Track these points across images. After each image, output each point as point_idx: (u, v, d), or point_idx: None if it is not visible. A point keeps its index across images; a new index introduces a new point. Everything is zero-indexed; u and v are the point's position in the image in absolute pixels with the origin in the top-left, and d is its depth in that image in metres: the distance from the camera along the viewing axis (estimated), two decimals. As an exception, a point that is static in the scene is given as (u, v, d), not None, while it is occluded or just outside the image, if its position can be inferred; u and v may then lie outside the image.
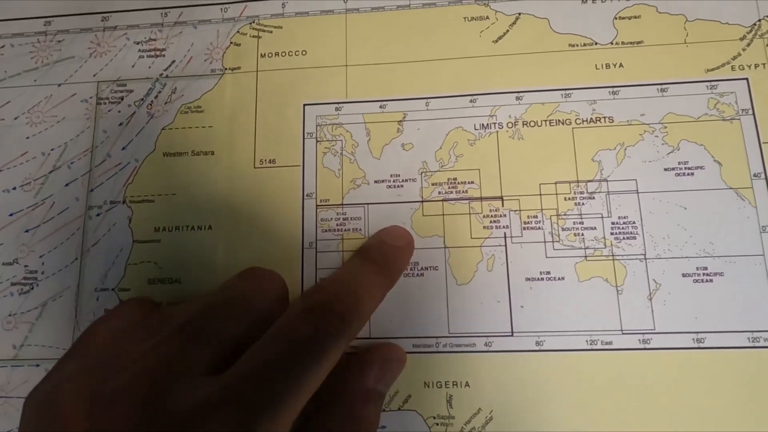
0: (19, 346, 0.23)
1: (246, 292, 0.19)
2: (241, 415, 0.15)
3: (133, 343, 0.19)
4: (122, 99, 0.25)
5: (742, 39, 0.23)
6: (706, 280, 0.21)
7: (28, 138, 0.25)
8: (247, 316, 0.18)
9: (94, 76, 0.26)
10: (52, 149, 0.25)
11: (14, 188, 0.25)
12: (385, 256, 0.22)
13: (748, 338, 0.21)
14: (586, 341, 0.21)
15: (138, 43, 0.26)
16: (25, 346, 0.23)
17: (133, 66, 0.26)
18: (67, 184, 0.25)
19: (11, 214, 0.25)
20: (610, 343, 0.21)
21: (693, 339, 0.21)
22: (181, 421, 0.15)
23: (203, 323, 0.18)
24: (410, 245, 0.22)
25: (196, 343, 0.17)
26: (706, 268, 0.21)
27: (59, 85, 0.26)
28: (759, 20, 0.23)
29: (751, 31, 0.23)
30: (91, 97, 0.26)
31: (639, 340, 0.21)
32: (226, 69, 0.25)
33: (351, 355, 0.21)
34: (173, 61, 0.26)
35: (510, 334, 0.22)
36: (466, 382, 0.21)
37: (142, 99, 0.25)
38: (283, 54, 0.25)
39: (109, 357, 0.18)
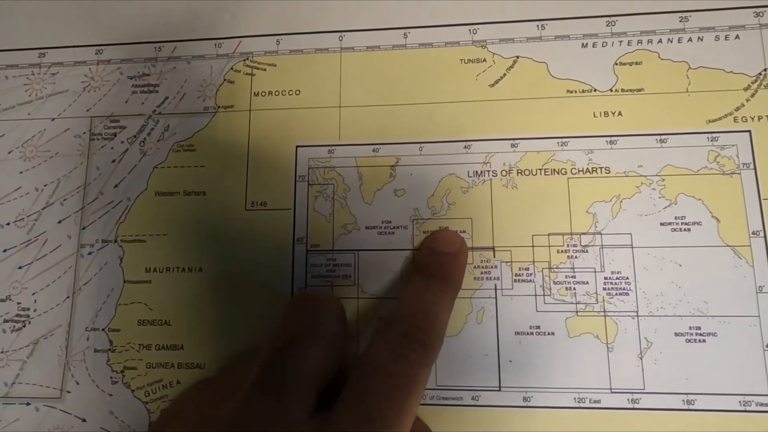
0: (11, 384, 0.24)
1: (307, 323, 0.19)
2: None
3: (216, 407, 0.19)
4: (115, 135, 0.25)
5: (746, 89, 0.23)
6: (699, 341, 0.21)
7: (21, 173, 0.25)
8: (318, 347, 0.19)
9: (88, 111, 0.26)
10: (45, 185, 0.25)
11: (8, 224, 0.25)
12: (443, 268, 0.22)
13: (740, 402, 0.20)
14: (574, 399, 0.21)
15: (131, 78, 0.26)
16: (16, 384, 0.24)
17: (126, 101, 0.26)
18: (59, 221, 0.25)
19: (5, 250, 0.25)
20: (599, 401, 0.21)
21: (683, 400, 0.21)
22: None
23: (279, 370, 0.18)
24: (464, 248, 0.22)
25: (283, 393, 0.18)
26: (699, 328, 0.21)
27: (53, 119, 0.26)
28: (765, 69, 0.23)
29: (756, 80, 0.23)
30: (84, 133, 0.26)
31: (628, 399, 0.21)
32: (219, 107, 0.25)
33: None
34: (166, 98, 0.25)
35: (498, 388, 0.21)
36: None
37: (135, 136, 0.25)
38: (277, 93, 0.25)
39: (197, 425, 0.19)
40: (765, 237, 0.21)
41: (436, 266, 0.22)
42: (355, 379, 0.18)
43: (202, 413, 0.20)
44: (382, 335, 0.19)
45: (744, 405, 0.20)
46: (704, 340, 0.21)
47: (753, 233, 0.21)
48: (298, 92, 0.25)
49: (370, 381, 0.18)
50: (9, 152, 0.26)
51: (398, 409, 0.17)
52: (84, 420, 0.23)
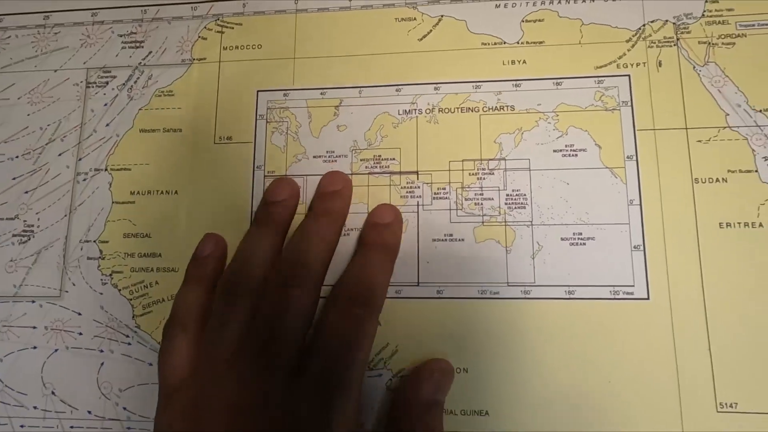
0: (19, 286, 0.28)
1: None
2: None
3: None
4: (107, 83, 0.30)
5: (628, 41, 0.27)
6: (580, 244, 0.25)
7: (28, 115, 0.30)
8: None
9: (84, 63, 0.30)
10: (48, 125, 0.30)
11: (17, 157, 0.30)
12: (380, 237, 0.26)
13: (611, 291, 0.25)
14: (478, 291, 0.25)
15: (121, 36, 0.31)
16: (23, 286, 0.28)
17: (116, 55, 0.30)
18: (60, 154, 0.30)
19: (14, 178, 0.30)
20: (498, 293, 0.25)
21: (565, 291, 0.25)
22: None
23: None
24: (399, 217, 0.26)
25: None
26: (581, 234, 0.26)
27: (55, 70, 0.31)
28: (643, 25, 0.27)
29: (636, 34, 0.27)
30: (81, 82, 0.30)
31: (521, 291, 0.25)
32: (194, 59, 0.30)
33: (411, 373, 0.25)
34: (150, 52, 0.30)
35: (416, 284, 0.26)
36: (379, 321, 0.26)
37: (124, 84, 0.30)
38: (242, 47, 0.30)
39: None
40: (636, 161, 0.26)
41: (375, 236, 0.26)
42: (315, 340, 0.23)
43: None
44: (333, 303, 0.24)
45: (614, 294, 0.25)
46: (584, 243, 0.25)
47: (627, 157, 0.26)
48: (259, 46, 0.29)
49: (327, 339, 0.22)
50: (18, 98, 0.30)
51: (353, 357, 0.22)
52: (79, 314, 0.28)
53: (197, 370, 0.24)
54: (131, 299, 0.27)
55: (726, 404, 0.23)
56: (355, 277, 0.24)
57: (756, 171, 0.25)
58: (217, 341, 0.23)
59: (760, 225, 0.25)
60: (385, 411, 0.25)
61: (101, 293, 0.28)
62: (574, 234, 0.26)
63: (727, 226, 0.25)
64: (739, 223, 0.25)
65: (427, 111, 0.28)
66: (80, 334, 0.27)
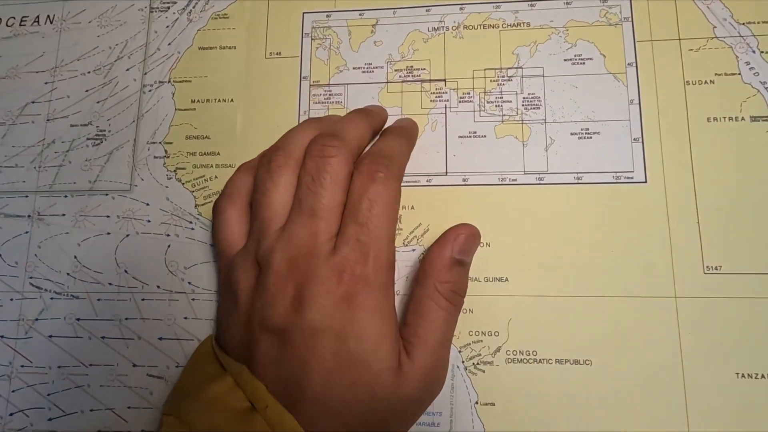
0: (93, 181, 0.32)
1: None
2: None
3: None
4: (168, 8, 0.34)
5: (629, -33, 0.31)
6: (587, 137, 0.29)
7: (99, 36, 0.34)
8: None
9: (148, -9, 0.34)
10: (116, 44, 0.34)
11: (89, 72, 0.34)
12: (400, 125, 0.30)
13: (613, 176, 0.29)
14: (498, 178, 0.29)
15: (181, -33, 0.35)
16: (97, 182, 0.32)
17: (177, -16, 0.34)
18: (127, 69, 0.33)
19: (86, 90, 0.33)
20: (516, 180, 0.29)
21: (574, 177, 0.29)
22: None
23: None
24: (415, 124, 0.30)
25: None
26: (588, 129, 0.29)
27: (122, -3, 0.35)
28: (643, -47, 0.31)
29: (636, -39, 0.31)
30: (145, 7, 0.34)
31: (536, 177, 0.29)
32: (246, -14, 0.34)
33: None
34: (207, -19, 0.34)
35: (445, 173, 0.30)
36: (412, 206, 0.30)
37: (184, 8, 0.34)
38: (289, -25, 0.34)
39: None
40: (636, 67, 0.30)
41: (395, 125, 0.30)
42: (347, 205, 0.26)
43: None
44: (357, 170, 0.26)
45: (616, 179, 0.29)
46: (591, 137, 0.29)
47: (628, 64, 0.30)
48: (304, -25, 0.33)
49: (357, 201, 0.25)
50: (89, 21, 0.34)
51: (382, 213, 0.24)
52: (147, 204, 0.31)
53: (250, 235, 0.27)
54: (193, 191, 0.31)
55: (711, 267, 0.27)
56: (377, 148, 0.27)
57: (739, 74, 0.29)
58: (261, 208, 0.26)
59: (742, 119, 0.29)
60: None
61: (167, 186, 0.32)
62: (581, 129, 0.29)
63: (714, 120, 0.29)
64: (724, 117, 0.29)
65: (454, 28, 0.32)
66: (149, 221, 0.31)
